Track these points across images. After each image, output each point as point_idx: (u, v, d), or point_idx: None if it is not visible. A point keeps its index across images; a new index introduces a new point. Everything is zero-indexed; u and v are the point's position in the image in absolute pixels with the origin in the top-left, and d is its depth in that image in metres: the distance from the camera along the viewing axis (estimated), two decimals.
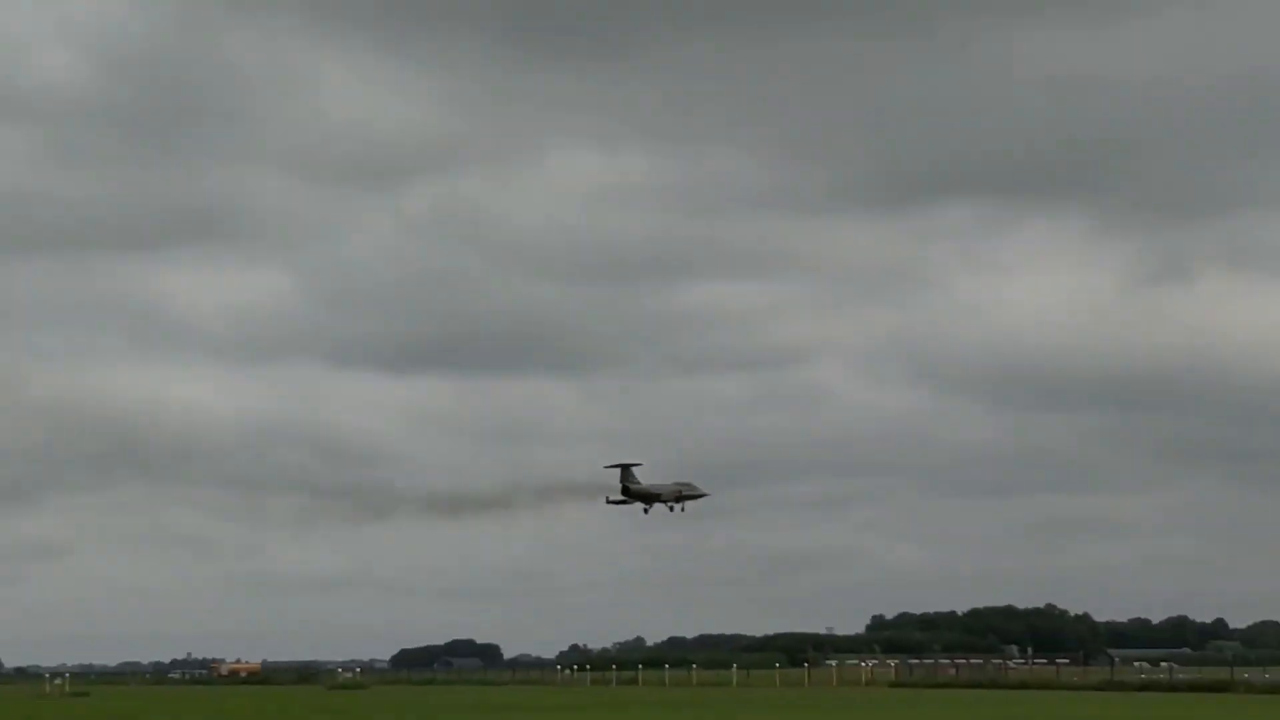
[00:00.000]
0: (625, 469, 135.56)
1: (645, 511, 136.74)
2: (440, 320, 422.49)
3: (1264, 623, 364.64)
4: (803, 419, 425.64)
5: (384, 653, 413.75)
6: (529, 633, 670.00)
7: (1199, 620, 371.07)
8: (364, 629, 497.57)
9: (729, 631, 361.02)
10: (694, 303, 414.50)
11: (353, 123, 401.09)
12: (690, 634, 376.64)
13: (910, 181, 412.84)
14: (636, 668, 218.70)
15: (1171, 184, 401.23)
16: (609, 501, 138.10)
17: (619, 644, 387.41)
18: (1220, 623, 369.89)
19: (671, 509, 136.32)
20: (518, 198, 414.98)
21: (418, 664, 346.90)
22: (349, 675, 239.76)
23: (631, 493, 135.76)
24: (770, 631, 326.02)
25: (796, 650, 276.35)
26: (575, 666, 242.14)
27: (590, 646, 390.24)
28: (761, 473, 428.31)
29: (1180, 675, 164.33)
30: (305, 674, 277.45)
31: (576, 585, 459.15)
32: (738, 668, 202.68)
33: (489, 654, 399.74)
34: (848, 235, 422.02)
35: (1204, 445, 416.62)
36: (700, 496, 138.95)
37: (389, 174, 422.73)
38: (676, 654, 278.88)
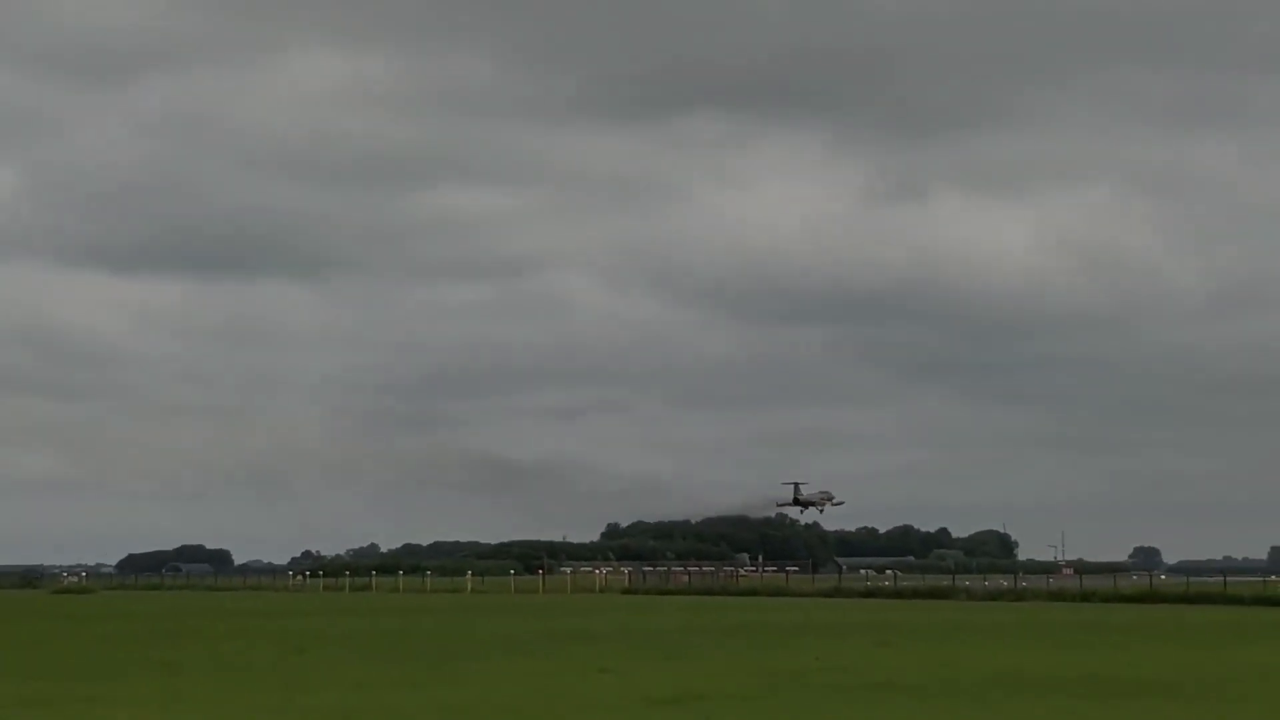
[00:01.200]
0: (796, 485, 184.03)
1: (801, 513, 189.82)
2: (173, 221, 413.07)
3: (984, 532, 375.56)
4: (543, 328, 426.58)
5: (110, 557, 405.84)
6: (261, 539, 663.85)
7: (923, 530, 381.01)
8: (90, 533, 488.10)
9: (464, 539, 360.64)
10: (435, 209, 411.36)
11: (84, 16, 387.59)
12: (425, 541, 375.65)
13: (655, 91, 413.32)
14: (370, 574, 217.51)
15: (909, 102, 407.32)
16: (779, 505, 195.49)
17: (352, 550, 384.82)
18: (944, 532, 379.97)
19: (821, 510, 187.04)
20: (256, 98, 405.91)
21: (145, 569, 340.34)
22: (74, 579, 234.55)
23: (798, 501, 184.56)
24: (505, 539, 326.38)
25: (531, 557, 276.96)
26: (307, 573, 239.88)
27: (323, 553, 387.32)
28: (501, 381, 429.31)
29: (904, 582, 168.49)
30: (28, 578, 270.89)
31: (310, 491, 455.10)
32: (472, 574, 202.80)
33: (219, 559, 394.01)
34: (591, 144, 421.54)
35: (932, 361, 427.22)
36: (838, 503, 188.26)
37: (121, 70, 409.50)
38: (411, 561, 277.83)
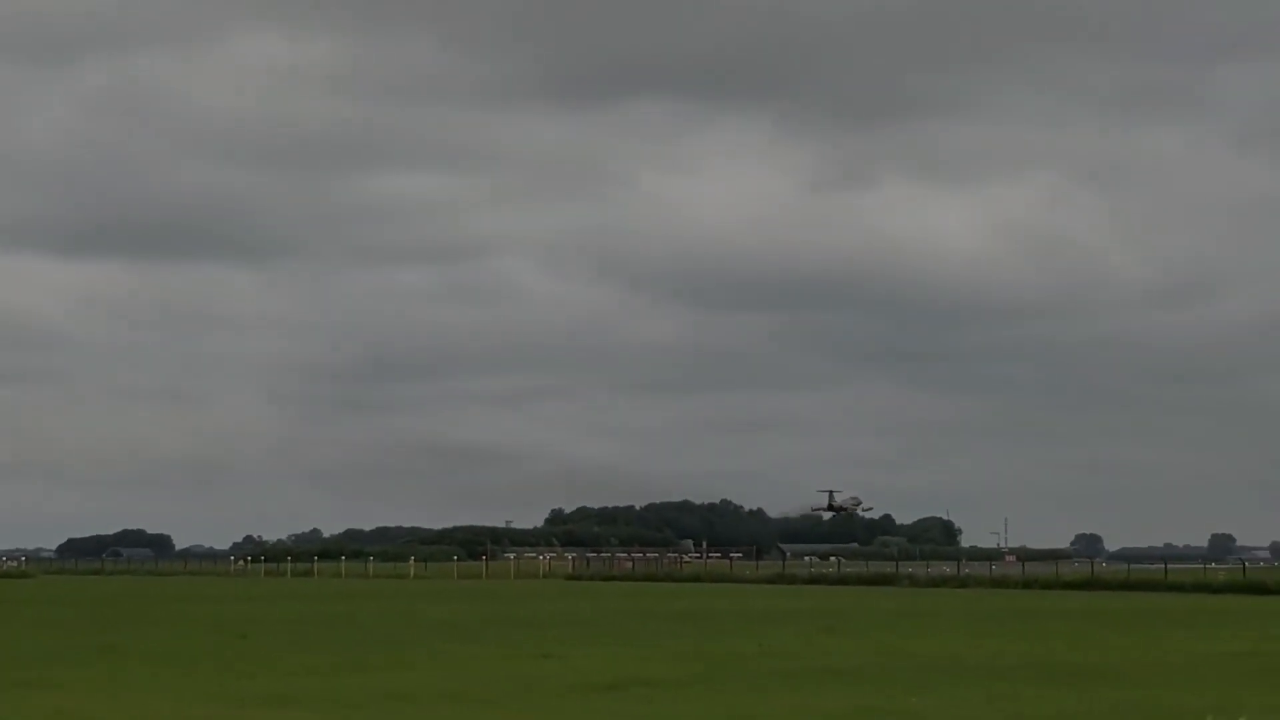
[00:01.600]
0: (831, 494, 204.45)
1: (831, 516, 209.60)
2: (115, 203, 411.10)
3: (928, 519, 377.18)
4: (488, 313, 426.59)
5: (50, 541, 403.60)
6: (202, 524, 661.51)
7: (867, 516, 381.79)
8: (29, 518, 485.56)
9: (407, 524, 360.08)
10: (379, 192, 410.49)
11: None
12: (368, 526, 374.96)
13: (601, 77, 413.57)
14: (312, 559, 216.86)
15: (858, 88, 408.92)
16: (813, 510, 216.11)
17: (294, 535, 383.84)
18: (888, 519, 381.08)
19: (851, 516, 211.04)
20: (199, 79, 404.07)
21: (86, 554, 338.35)
22: (13, 564, 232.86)
23: (832, 507, 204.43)
24: (449, 524, 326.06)
25: (475, 543, 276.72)
26: (249, 558, 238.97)
27: (265, 538, 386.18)
28: (444, 366, 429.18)
29: (847, 569, 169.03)
30: None
31: (252, 476, 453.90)
32: (415, 560, 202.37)
33: (160, 544, 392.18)
34: (536, 129, 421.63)
35: (877, 348, 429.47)
36: (868, 509, 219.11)
37: (62, 50, 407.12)
38: (354, 546, 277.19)
